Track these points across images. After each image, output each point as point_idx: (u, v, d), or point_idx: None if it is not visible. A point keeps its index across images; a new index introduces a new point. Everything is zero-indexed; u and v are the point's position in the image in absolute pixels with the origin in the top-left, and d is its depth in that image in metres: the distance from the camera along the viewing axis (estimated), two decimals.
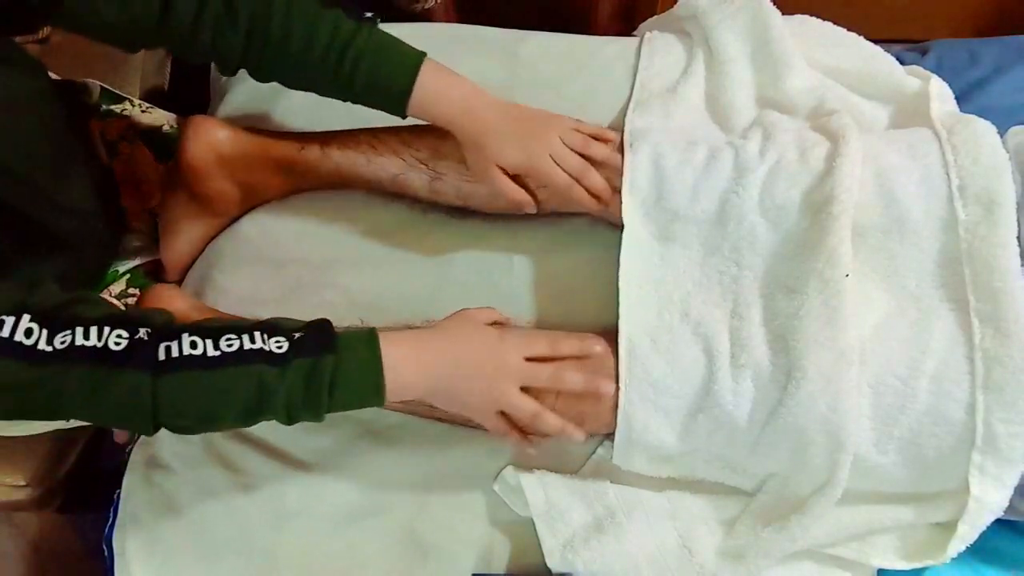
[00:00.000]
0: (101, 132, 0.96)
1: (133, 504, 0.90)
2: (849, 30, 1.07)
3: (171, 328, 0.67)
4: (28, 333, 0.62)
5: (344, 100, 0.84)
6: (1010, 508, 0.79)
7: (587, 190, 0.86)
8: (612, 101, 1.02)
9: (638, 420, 0.82)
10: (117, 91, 1.01)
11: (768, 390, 0.80)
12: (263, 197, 0.98)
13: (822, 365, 0.77)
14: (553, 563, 0.84)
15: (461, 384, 0.76)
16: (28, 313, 0.62)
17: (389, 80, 0.81)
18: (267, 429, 0.90)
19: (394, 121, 0.89)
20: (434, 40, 1.08)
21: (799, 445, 0.80)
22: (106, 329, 0.64)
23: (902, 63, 1.05)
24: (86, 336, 0.63)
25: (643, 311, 0.86)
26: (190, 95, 1.18)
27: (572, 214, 0.94)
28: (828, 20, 1.08)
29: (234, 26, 0.77)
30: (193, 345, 0.66)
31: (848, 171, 0.82)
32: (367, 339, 0.72)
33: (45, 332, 0.62)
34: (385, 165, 0.91)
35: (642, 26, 1.15)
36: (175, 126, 1.04)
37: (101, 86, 0.99)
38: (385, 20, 1.14)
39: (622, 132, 0.91)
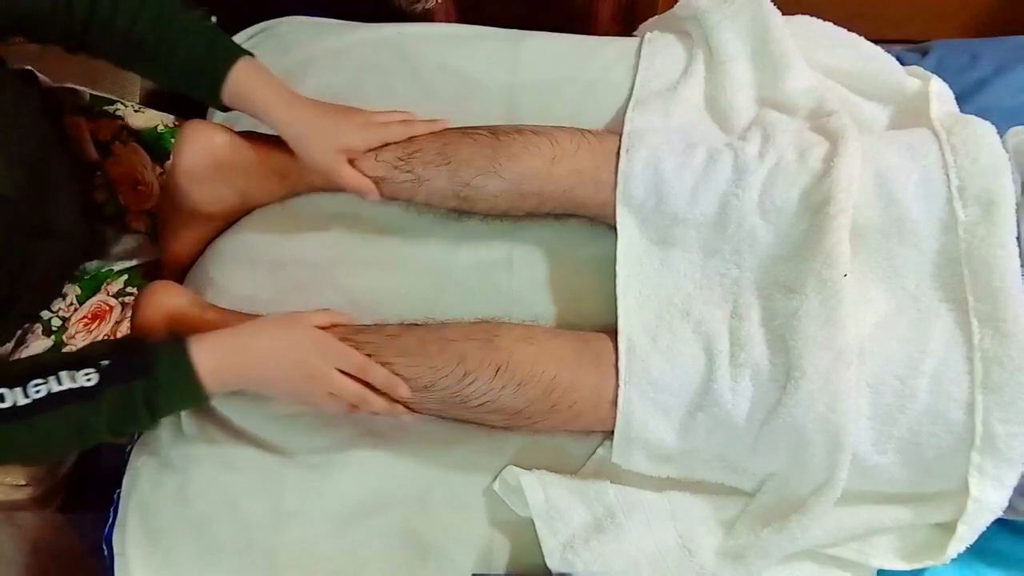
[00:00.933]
0: (93, 132, 0.96)
1: (133, 504, 0.90)
2: (849, 30, 1.07)
3: None
4: None
5: (163, 84, 0.85)
6: (1009, 508, 0.79)
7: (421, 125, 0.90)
8: (612, 101, 1.02)
9: (637, 418, 0.82)
10: (107, 95, 1.01)
11: (767, 389, 0.80)
12: (260, 201, 0.98)
13: (820, 365, 0.77)
14: (553, 563, 0.84)
15: (274, 383, 0.80)
16: None
17: (205, 64, 0.83)
18: (267, 429, 0.90)
19: None
20: (434, 40, 1.09)
21: (798, 445, 0.80)
22: None
23: (902, 63, 1.05)
24: None
25: (643, 312, 0.86)
26: (190, 96, 1.17)
27: (571, 215, 0.94)
28: (828, 20, 1.08)
29: None
30: (1, 398, 0.68)
31: (846, 171, 0.82)
32: (175, 352, 0.75)
33: None
34: (376, 170, 0.91)
35: (642, 26, 1.15)
36: (170, 126, 1.04)
37: (91, 93, 0.99)
38: (386, 20, 1.14)
39: (621, 133, 0.91)
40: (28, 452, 0.72)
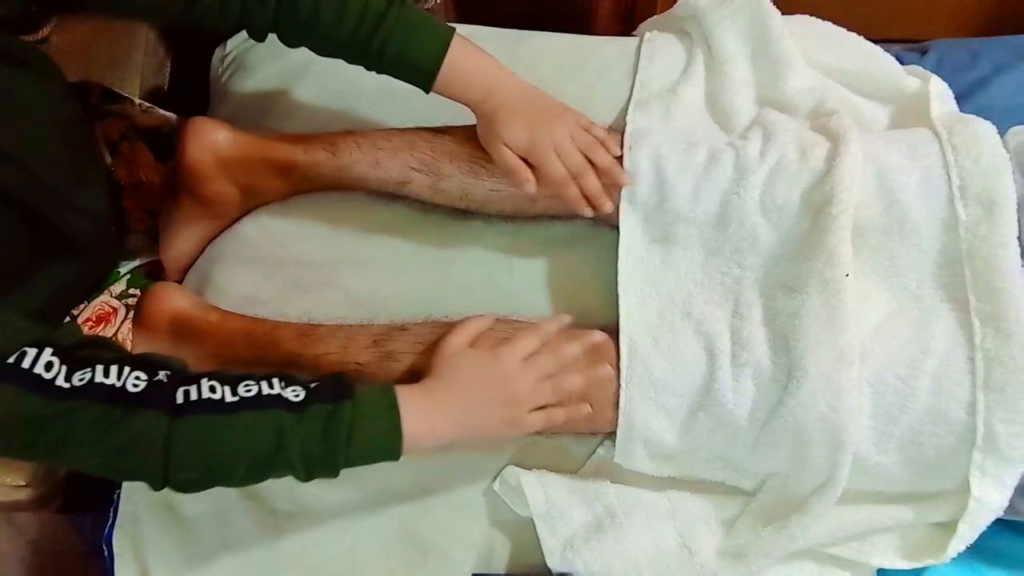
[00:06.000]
0: (102, 132, 0.96)
1: (133, 504, 0.90)
2: (849, 30, 1.07)
3: (190, 373, 0.67)
4: (48, 367, 0.61)
5: (372, 70, 0.84)
6: (1010, 508, 0.80)
7: (582, 191, 0.86)
8: (612, 101, 1.02)
9: (639, 417, 0.82)
10: (117, 91, 1.01)
11: (769, 389, 0.80)
12: (263, 199, 0.98)
13: (822, 364, 0.78)
14: (553, 563, 0.84)
15: (477, 424, 0.77)
16: (50, 347, 0.62)
17: (418, 58, 0.82)
18: None
19: (395, 122, 0.89)
20: None
21: (799, 444, 0.80)
22: (126, 369, 0.64)
23: (902, 63, 1.05)
24: (106, 374, 0.63)
25: (644, 311, 0.86)
26: (190, 95, 1.18)
27: (573, 216, 0.94)
28: (828, 20, 1.08)
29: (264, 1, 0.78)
30: (212, 389, 0.66)
31: (848, 171, 0.82)
32: (384, 389, 0.73)
33: (65, 368, 0.62)
34: (389, 169, 0.91)
35: (642, 26, 1.15)
36: (175, 126, 1.04)
37: (101, 86, 0.99)
38: None
39: (623, 133, 0.91)
40: (215, 453, 0.66)
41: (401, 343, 0.84)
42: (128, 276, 0.98)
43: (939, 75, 0.99)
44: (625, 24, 1.43)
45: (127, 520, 0.89)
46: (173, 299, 0.89)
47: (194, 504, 0.89)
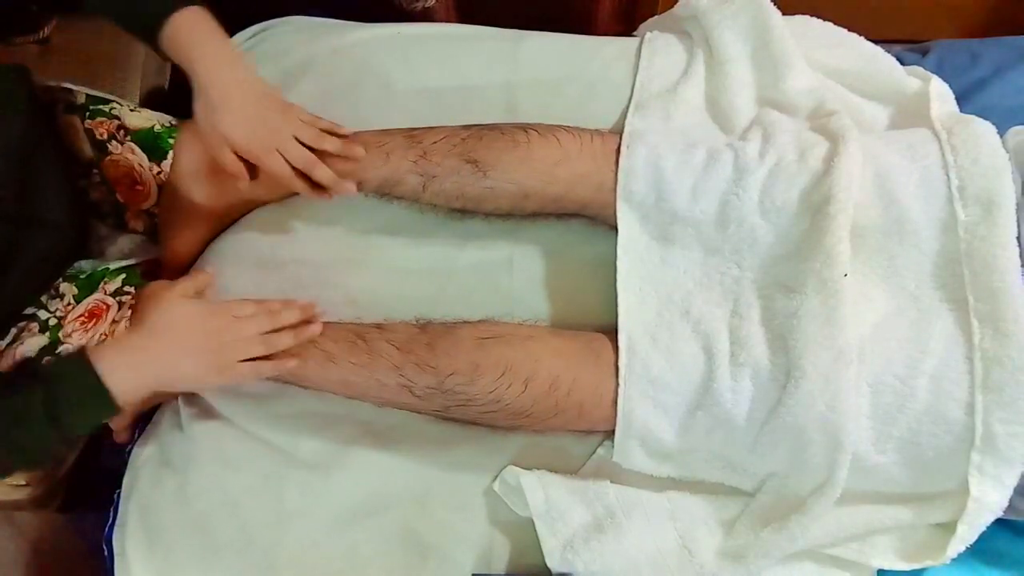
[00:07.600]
0: (89, 131, 0.96)
1: (133, 504, 0.90)
2: (849, 30, 1.07)
3: None
4: None
5: (111, 20, 0.84)
6: (1010, 508, 0.80)
7: (316, 182, 0.87)
8: (612, 101, 1.02)
9: (637, 416, 0.83)
10: (104, 95, 1.01)
11: (767, 389, 0.80)
12: (260, 201, 0.98)
13: (820, 364, 0.78)
14: (553, 563, 0.84)
15: (187, 367, 0.80)
16: None
17: (149, 5, 0.81)
18: (268, 428, 0.90)
19: (394, 122, 0.89)
20: (434, 40, 1.09)
21: (798, 444, 0.80)
22: None
23: (902, 63, 1.05)
24: None
25: (643, 310, 0.86)
26: (190, 96, 1.17)
27: (572, 215, 0.94)
28: (828, 20, 1.08)
29: None
30: None
31: (846, 171, 0.82)
32: (77, 361, 0.75)
33: None
34: (383, 170, 0.91)
35: (642, 26, 1.15)
36: (167, 126, 1.04)
37: (87, 93, 0.99)
38: (385, 20, 1.14)
39: (621, 133, 0.91)
40: None
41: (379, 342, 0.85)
42: (124, 275, 0.98)
43: (940, 76, 0.99)
44: (625, 24, 1.43)
45: (127, 520, 0.89)
46: None
47: (195, 504, 0.89)
